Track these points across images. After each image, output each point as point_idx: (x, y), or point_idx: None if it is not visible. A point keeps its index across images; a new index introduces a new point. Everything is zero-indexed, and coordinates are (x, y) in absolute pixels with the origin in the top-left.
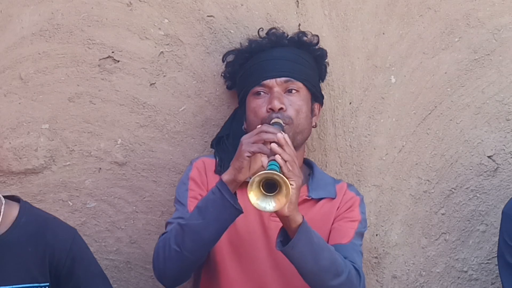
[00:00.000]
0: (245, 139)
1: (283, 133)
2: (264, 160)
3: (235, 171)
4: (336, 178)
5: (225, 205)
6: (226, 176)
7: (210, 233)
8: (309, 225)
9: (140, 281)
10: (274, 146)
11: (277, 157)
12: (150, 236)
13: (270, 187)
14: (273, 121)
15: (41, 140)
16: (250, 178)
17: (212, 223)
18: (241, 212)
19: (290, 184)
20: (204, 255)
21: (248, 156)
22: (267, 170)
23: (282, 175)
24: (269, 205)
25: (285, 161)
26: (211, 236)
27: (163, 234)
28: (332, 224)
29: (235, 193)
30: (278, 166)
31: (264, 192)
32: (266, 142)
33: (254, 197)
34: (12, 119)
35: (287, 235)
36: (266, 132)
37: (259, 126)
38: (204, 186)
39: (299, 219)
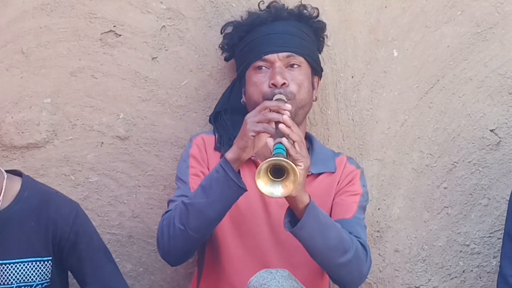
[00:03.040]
0: (250, 117)
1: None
2: (270, 141)
3: (239, 150)
4: (338, 152)
5: (229, 184)
6: (229, 155)
7: (214, 212)
8: (316, 204)
9: (143, 255)
10: (282, 126)
11: (284, 139)
12: (153, 210)
13: (278, 171)
14: (275, 97)
15: (43, 114)
16: (254, 156)
17: (216, 202)
18: (245, 190)
19: (298, 165)
20: (208, 233)
21: (252, 136)
22: (274, 154)
23: (290, 162)
24: (276, 190)
25: (294, 142)
26: (215, 215)
27: (166, 212)
28: (334, 199)
29: (239, 171)
30: (285, 149)
31: (271, 177)
32: (270, 122)
33: (262, 183)
34: (14, 93)
35: (294, 215)
36: (270, 110)
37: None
38: (204, 163)
39: (306, 199)
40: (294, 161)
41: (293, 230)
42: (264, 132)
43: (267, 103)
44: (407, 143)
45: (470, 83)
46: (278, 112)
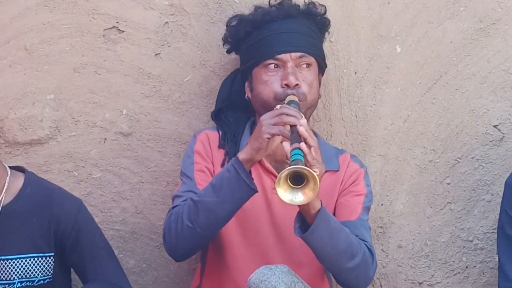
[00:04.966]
0: (265, 119)
1: (303, 116)
2: (286, 146)
3: (253, 151)
4: (342, 148)
5: (240, 184)
6: (242, 155)
7: (224, 211)
8: (326, 210)
9: (146, 251)
10: (302, 130)
11: (302, 144)
12: (156, 206)
13: (297, 179)
14: (288, 99)
15: (46, 110)
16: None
17: (226, 201)
18: (256, 191)
19: (314, 171)
20: (216, 231)
21: (268, 138)
22: (293, 161)
23: (311, 170)
24: (296, 197)
25: (310, 147)
26: (225, 214)
27: (172, 208)
28: (337, 199)
29: (250, 172)
30: (302, 155)
31: (290, 184)
32: (286, 125)
33: (282, 191)
34: (17, 89)
35: (304, 220)
36: (287, 114)
37: (278, 106)
38: (209, 159)
39: (317, 205)
40: (310, 166)
41: (304, 236)
42: (279, 135)
43: (286, 110)
44: (410, 139)
45: (473, 78)
46: (294, 116)
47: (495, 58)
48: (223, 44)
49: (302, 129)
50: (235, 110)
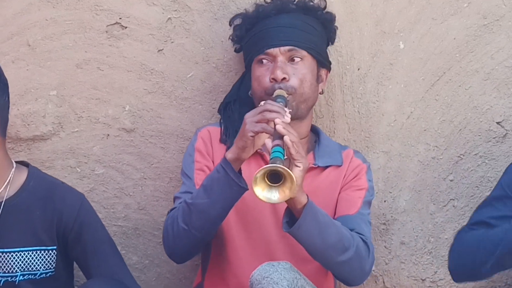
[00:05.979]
0: (249, 117)
1: (287, 110)
2: (268, 143)
3: (239, 150)
4: (344, 144)
5: (230, 184)
6: (229, 155)
7: (216, 212)
8: (314, 204)
9: (148, 247)
10: (279, 127)
11: (286, 138)
12: (158, 202)
13: (275, 176)
14: (276, 93)
15: (49, 106)
16: (260, 149)
17: (218, 202)
18: (246, 189)
19: (297, 166)
20: (212, 232)
21: (251, 136)
22: (272, 158)
23: (287, 168)
24: (273, 196)
25: (292, 143)
26: (217, 214)
27: (171, 209)
28: (339, 193)
29: (240, 171)
30: (282, 152)
31: (268, 182)
32: (269, 121)
33: (259, 189)
34: (20, 85)
35: (293, 215)
36: (270, 111)
37: (263, 102)
38: (209, 156)
39: (303, 199)
40: (293, 161)
41: (290, 230)
42: (263, 132)
43: (269, 107)
44: (413, 135)
45: (476, 75)
46: (277, 112)
47: (498, 55)
48: (233, 44)
49: (279, 127)
50: (241, 106)
